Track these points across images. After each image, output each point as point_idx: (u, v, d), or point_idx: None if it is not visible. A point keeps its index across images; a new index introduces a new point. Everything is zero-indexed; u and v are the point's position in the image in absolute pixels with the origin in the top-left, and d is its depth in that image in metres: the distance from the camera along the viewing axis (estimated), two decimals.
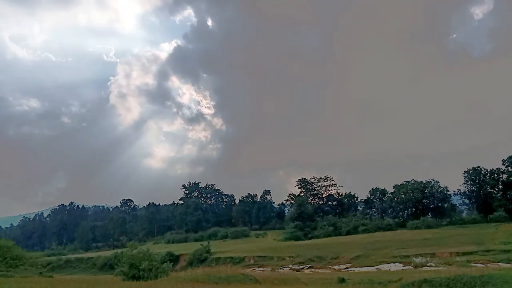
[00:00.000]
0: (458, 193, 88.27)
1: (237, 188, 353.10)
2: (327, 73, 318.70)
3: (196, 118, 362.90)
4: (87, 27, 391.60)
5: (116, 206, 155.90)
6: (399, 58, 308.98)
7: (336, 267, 43.34)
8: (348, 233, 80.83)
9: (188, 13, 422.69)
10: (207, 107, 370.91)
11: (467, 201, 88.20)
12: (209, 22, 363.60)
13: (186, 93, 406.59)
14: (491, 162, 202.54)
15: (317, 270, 42.88)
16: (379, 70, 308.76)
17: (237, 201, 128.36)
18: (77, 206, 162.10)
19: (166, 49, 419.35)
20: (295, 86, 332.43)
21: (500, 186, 79.72)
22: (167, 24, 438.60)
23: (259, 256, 54.65)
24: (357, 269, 39.17)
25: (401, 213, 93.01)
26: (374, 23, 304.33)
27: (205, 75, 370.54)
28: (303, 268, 44.56)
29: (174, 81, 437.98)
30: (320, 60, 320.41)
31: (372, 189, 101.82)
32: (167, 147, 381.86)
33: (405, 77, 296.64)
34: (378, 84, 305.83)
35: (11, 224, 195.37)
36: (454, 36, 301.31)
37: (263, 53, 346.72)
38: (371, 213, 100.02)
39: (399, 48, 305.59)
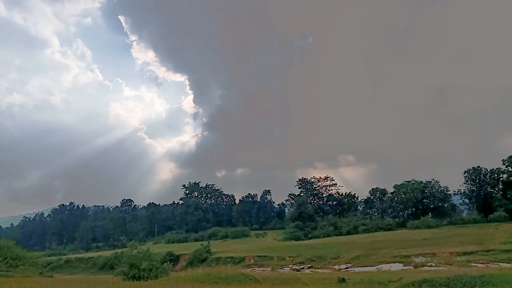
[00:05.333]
0: (458, 193, 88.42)
1: (237, 187, 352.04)
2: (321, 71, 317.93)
3: (198, 118, 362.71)
4: None
5: (116, 206, 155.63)
6: (395, 55, 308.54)
7: (336, 267, 43.35)
8: (348, 233, 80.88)
9: None
10: (207, 107, 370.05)
11: (467, 201, 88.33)
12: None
13: (186, 91, 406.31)
14: (491, 162, 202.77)
15: (317, 270, 42.87)
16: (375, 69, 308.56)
17: (237, 201, 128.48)
18: (77, 206, 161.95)
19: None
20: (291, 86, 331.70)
21: (500, 186, 79.80)
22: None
23: (259, 256, 54.65)
24: (357, 269, 39.17)
25: (401, 213, 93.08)
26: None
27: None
28: (303, 268, 44.57)
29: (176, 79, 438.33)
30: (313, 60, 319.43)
31: (372, 189, 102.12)
32: (167, 146, 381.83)
33: (404, 75, 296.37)
34: (377, 82, 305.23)
35: (11, 224, 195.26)
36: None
37: (257, 61, 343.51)
38: (371, 213, 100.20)
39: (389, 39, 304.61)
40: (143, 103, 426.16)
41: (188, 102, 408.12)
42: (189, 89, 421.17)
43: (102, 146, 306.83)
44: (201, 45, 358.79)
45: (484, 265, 31.90)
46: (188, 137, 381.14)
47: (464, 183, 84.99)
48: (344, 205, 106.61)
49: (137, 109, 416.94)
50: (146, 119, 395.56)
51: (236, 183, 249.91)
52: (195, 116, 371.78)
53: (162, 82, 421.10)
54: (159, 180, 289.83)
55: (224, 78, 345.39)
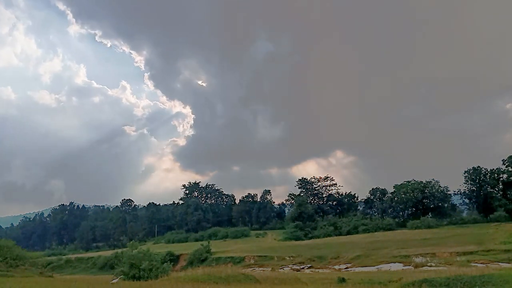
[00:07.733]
0: (458, 193, 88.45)
1: (237, 187, 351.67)
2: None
3: (190, 116, 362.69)
4: None
5: (116, 206, 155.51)
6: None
7: (336, 267, 43.40)
8: (348, 233, 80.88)
9: None
10: (201, 106, 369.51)
11: (467, 201, 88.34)
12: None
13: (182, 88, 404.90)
14: (491, 162, 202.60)
15: (317, 270, 42.91)
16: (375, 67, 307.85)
17: (237, 201, 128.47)
18: (77, 206, 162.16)
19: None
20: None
21: (500, 186, 79.82)
22: None
23: (259, 256, 54.71)
24: (357, 269, 39.24)
25: (401, 213, 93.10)
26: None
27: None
28: (303, 268, 44.62)
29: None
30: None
31: (372, 189, 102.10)
32: (167, 146, 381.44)
33: (403, 74, 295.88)
34: (375, 81, 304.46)
35: (12, 224, 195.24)
36: None
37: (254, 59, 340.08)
38: (371, 213, 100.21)
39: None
40: (134, 98, 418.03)
41: (182, 99, 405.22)
42: (185, 87, 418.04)
43: (102, 145, 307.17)
44: (196, 41, 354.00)
45: (484, 265, 31.91)
46: (184, 134, 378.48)
47: (464, 183, 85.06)
48: (344, 205, 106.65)
49: (127, 104, 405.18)
50: (139, 115, 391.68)
51: (232, 181, 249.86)
52: (187, 114, 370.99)
53: (153, 75, 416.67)
54: (159, 179, 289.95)
55: (216, 71, 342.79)
